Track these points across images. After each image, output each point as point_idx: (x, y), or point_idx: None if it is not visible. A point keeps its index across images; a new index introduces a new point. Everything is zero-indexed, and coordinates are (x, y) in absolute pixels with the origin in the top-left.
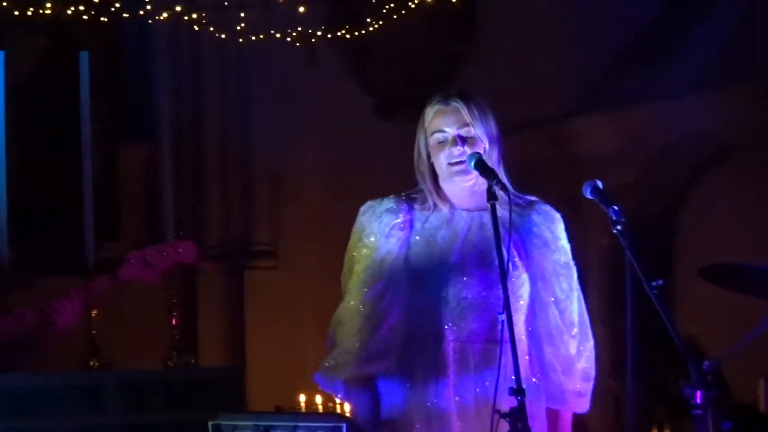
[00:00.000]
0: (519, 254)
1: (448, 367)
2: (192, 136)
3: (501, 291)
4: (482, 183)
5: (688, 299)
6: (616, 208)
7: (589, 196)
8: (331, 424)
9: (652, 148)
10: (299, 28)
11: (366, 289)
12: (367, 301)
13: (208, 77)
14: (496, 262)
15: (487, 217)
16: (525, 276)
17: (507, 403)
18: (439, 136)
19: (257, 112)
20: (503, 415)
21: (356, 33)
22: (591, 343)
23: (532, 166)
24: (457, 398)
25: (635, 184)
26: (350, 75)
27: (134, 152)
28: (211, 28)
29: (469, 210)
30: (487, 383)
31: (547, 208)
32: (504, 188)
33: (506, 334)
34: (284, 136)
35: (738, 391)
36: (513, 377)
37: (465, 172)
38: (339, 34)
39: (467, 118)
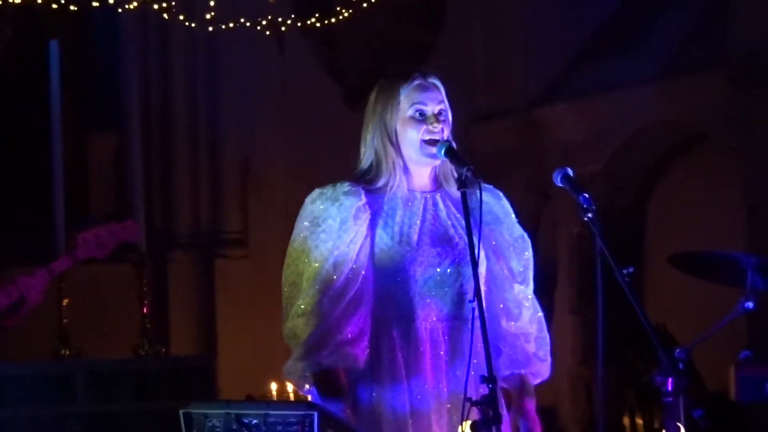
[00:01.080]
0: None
1: (422, 352)
2: (161, 125)
3: (464, 268)
4: (439, 167)
5: (658, 287)
6: (586, 195)
7: (559, 184)
8: (303, 412)
9: (618, 136)
10: (269, 17)
11: (335, 277)
12: (338, 289)
13: (177, 66)
14: (455, 241)
15: (439, 199)
16: (481, 254)
17: (476, 390)
18: (420, 109)
19: (226, 100)
20: (474, 403)
21: (326, 21)
22: (541, 313)
23: (500, 155)
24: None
25: (603, 173)
26: (319, 63)
27: (103, 141)
28: (181, 17)
29: (423, 191)
30: (458, 373)
31: (490, 186)
32: (475, 174)
33: (477, 323)
34: (253, 125)
35: (709, 379)
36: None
37: (435, 156)
38: (309, 22)
39: (444, 98)
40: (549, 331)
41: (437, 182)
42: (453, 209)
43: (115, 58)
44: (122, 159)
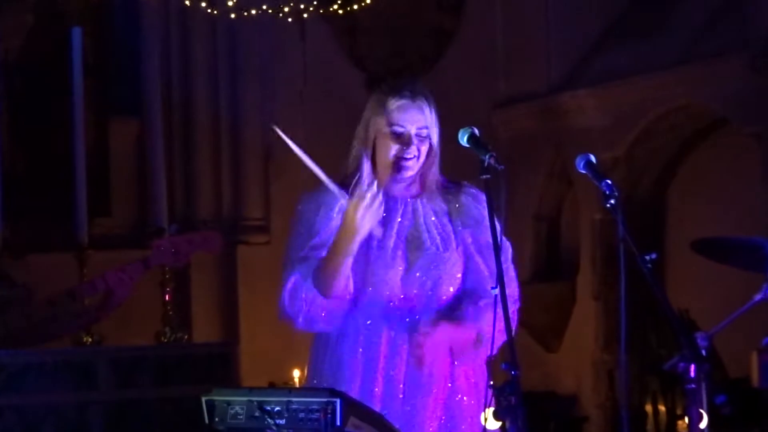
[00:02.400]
0: (454, 235)
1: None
2: (182, 112)
3: (433, 272)
4: (422, 175)
5: (680, 273)
6: (608, 182)
7: (582, 170)
8: (325, 399)
9: (639, 122)
10: (291, 3)
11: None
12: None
13: (199, 52)
14: (426, 245)
15: (418, 204)
16: (457, 255)
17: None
18: (397, 129)
19: (247, 86)
20: (496, 390)
21: (348, 8)
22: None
23: (521, 141)
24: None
25: (624, 159)
26: (341, 50)
27: (124, 128)
28: (203, 4)
29: (403, 197)
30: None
31: (475, 189)
32: (497, 161)
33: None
34: (274, 111)
35: (731, 365)
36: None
37: (409, 169)
38: (331, 9)
39: (427, 119)
40: (571, 318)
41: (420, 189)
42: (432, 215)
43: (137, 45)
44: (144, 145)
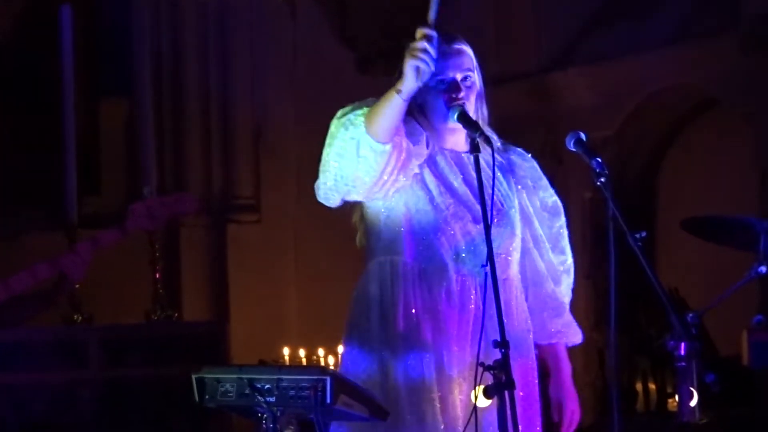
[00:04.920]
0: (509, 193)
1: (453, 307)
2: (173, 91)
3: (499, 228)
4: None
5: (670, 252)
6: (599, 160)
7: (572, 148)
8: (315, 377)
9: (630, 101)
10: None
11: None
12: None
13: (189, 32)
14: (494, 199)
15: (481, 159)
16: (517, 217)
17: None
18: (441, 78)
19: (238, 66)
20: (487, 368)
21: None
22: (572, 278)
23: (512, 120)
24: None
25: (615, 138)
26: (331, 29)
27: (114, 107)
28: None
29: (463, 151)
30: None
31: (521, 149)
32: (487, 140)
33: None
34: (265, 91)
35: (721, 344)
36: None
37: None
38: None
39: (468, 62)
40: None
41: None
42: (489, 171)
43: (127, 24)
44: (134, 125)
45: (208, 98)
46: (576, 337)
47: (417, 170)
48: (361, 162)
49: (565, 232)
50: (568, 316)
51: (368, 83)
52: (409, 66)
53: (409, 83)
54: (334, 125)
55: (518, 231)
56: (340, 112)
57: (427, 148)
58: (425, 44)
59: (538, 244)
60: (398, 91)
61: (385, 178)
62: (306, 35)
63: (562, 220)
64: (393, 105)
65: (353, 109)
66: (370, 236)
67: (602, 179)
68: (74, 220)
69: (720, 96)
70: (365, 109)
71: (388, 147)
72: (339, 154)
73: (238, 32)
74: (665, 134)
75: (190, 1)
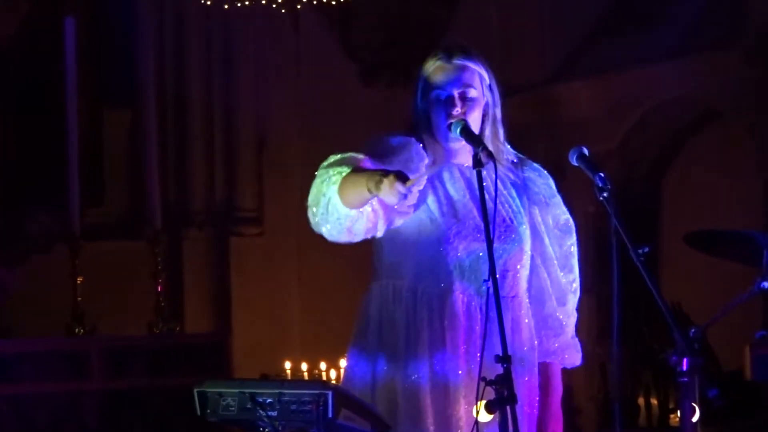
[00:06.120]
0: (523, 209)
1: (457, 326)
2: (176, 102)
3: (507, 245)
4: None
5: (673, 266)
6: (602, 174)
7: (575, 163)
8: (317, 391)
9: (633, 114)
10: None
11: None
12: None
13: (192, 42)
14: (501, 216)
15: (486, 175)
16: (527, 233)
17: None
18: (439, 93)
19: (241, 77)
20: (489, 383)
21: None
22: (578, 297)
23: (515, 132)
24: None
25: (618, 151)
26: (334, 40)
27: (118, 117)
28: None
29: (468, 167)
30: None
31: (537, 165)
32: (490, 155)
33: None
34: (268, 102)
35: (724, 359)
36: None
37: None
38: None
39: (468, 78)
40: None
41: (485, 158)
42: (500, 186)
43: (131, 34)
44: (137, 135)
45: (211, 110)
46: (575, 359)
47: (414, 201)
48: (330, 216)
49: (575, 251)
50: (568, 337)
51: (371, 94)
52: (383, 190)
53: (382, 196)
54: (319, 171)
55: (527, 248)
56: (329, 159)
57: (433, 164)
58: (399, 187)
59: (546, 261)
60: (369, 190)
61: (355, 232)
62: (309, 47)
63: (573, 238)
64: (363, 195)
65: (339, 162)
66: (375, 256)
67: (605, 194)
68: (77, 230)
69: (724, 108)
70: (345, 170)
71: (353, 212)
72: (315, 200)
73: (242, 43)
74: (668, 146)
75: (194, 13)
